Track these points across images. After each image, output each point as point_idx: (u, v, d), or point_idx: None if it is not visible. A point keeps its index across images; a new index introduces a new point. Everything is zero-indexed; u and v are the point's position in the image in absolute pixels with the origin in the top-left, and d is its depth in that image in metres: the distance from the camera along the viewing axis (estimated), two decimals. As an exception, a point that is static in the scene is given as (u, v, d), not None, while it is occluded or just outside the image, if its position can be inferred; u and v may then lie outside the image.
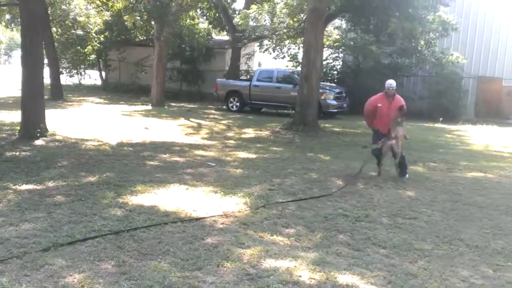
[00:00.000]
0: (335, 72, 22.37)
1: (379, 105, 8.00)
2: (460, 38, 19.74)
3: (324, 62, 20.46)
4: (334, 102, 17.42)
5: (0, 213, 5.16)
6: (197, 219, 5.34)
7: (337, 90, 18.00)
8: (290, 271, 4.12)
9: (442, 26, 15.46)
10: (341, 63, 22.58)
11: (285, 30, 18.28)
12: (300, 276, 4.04)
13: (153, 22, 20.79)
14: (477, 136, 13.86)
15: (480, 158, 10.22)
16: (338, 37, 21.02)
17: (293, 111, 14.23)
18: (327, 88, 17.75)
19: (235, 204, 5.99)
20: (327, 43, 19.96)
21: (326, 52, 20.80)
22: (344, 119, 17.15)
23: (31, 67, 9.75)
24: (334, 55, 22.23)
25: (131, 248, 4.40)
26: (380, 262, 4.45)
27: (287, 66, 22.72)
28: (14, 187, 6.18)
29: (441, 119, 17.61)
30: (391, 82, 8.06)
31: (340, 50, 21.47)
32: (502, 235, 5.34)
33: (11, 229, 4.71)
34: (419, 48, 18.69)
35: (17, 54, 66.50)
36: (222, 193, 6.46)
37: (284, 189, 6.90)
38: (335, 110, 17.56)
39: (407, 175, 7.98)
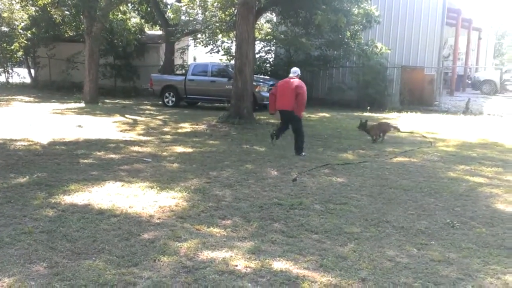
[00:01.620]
0: (268, 65, 22.70)
1: None
2: (384, 29, 20.61)
3: (257, 55, 20.74)
4: (268, 94, 17.66)
5: None
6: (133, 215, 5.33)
7: (271, 83, 18.24)
8: (226, 261, 4.23)
9: (366, 18, 16.11)
10: (273, 56, 22.94)
11: (217, 24, 18.31)
12: (236, 266, 4.16)
13: (82, 17, 20.09)
14: (402, 123, 14.62)
15: (405, 144, 10.83)
16: (269, 30, 21.33)
17: (229, 104, 14.32)
18: (261, 80, 17.98)
19: (172, 199, 6.01)
20: (259, 36, 20.20)
21: (258, 45, 21.09)
22: (278, 110, 17.46)
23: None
24: (266, 48, 22.57)
25: (64, 249, 4.33)
26: (312, 247, 4.65)
27: (221, 60, 22.77)
28: None
29: (368, 108, 18.38)
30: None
31: (272, 43, 21.80)
32: (425, 216, 5.71)
33: None
34: (346, 40, 19.35)
35: None
36: (158, 188, 6.46)
37: (221, 181, 7.00)
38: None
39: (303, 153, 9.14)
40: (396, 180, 7.38)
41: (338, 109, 18.97)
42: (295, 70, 9.70)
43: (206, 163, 8.24)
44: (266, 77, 20.06)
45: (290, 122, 9.52)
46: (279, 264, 4.22)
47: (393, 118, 16.31)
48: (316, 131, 12.63)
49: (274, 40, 21.18)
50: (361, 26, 17.12)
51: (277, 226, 5.25)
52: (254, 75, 14.74)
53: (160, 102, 19.33)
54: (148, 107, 18.64)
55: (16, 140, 9.54)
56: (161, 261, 4.17)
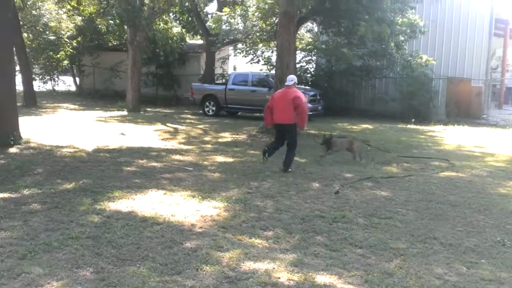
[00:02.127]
0: (309, 75, 22.59)
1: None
2: (429, 40, 20.17)
3: (298, 65, 20.64)
4: (309, 105, 17.56)
5: (-26, 222, 5.08)
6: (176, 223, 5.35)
7: (312, 93, 18.18)
8: (268, 273, 4.18)
9: (410, 29, 15.80)
10: (314, 65, 22.81)
11: (258, 34, 18.38)
12: (279, 278, 4.10)
13: (126, 27, 20.64)
14: (449, 136, 14.20)
15: (452, 157, 10.48)
16: (310, 40, 21.25)
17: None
18: (301, 91, 17.87)
19: (214, 208, 6.02)
20: (300, 46, 20.14)
21: (299, 55, 20.98)
22: (318, 121, 17.31)
23: (2, 73, 9.56)
24: (307, 58, 22.44)
25: (109, 254, 4.39)
26: (357, 262, 4.54)
27: (261, 69, 22.84)
28: (-13, 196, 6.08)
29: (413, 120, 17.96)
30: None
31: (313, 53, 21.70)
32: (475, 233, 5.49)
33: (-15, 238, 4.64)
34: (389, 50, 19.04)
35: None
36: (200, 197, 6.48)
37: (262, 192, 6.96)
38: (310, 113, 17.70)
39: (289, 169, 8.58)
40: (443, 195, 7.14)
41: (381, 121, 18.64)
42: (292, 78, 8.90)
43: (247, 173, 8.23)
44: (307, 87, 19.97)
45: (286, 135, 8.88)
46: (322, 278, 4.14)
47: (438, 130, 15.89)
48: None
49: (315, 50, 21.08)
50: (405, 37, 16.80)
51: (319, 239, 5.16)
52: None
53: (200, 111, 19.54)
54: (189, 116, 18.88)
55: (62, 147, 9.82)
56: (204, 270, 4.16)
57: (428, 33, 18.77)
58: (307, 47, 21.01)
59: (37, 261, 4.16)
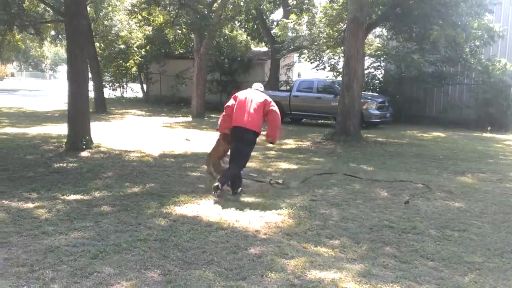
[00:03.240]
0: (377, 81, 22.07)
1: None
2: (507, 44, 19.07)
3: (366, 71, 20.22)
4: (377, 112, 17.16)
5: (50, 222, 5.33)
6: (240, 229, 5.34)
7: (380, 100, 17.73)
8: (335, 283, 4.05)
9: (487, 33, 15.00)
10: (383, 72, 22.25)
11: (324, 40, 18.20)
12: (346, 288, 3.97)
13: (192, 35, 21.16)
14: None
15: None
16: (379, 45, 20.76)
17: (334, 122, 14.08)
18: (369, 97, 17.52)
19: (278, 215, 5.95)
20: (368, 52, 19.73)
21: (367, 61, 20.56)
22: (387, 129, 16.86)
23: (77, 81, 10.08)
24: (375, 64, 21.94)
25: (176, 257, 4.44)
26: (428, 275, 4.29)
27: (327, 76, 22.59)
28: (62, 197, 6.38)
29: (489, 128, 17.02)
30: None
31: (382, 59, 21.18)
32: (558, 248, 5.07)
33: (61, 237, 4.85)
34: (464, 56, 18.18)
35: (62, 69, 69.01)
36: (264, 203, 6.44)
37: (327, 200, 6.81)
38: (378, 120, 17.29)
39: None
40: (523, 208, 6.65)
41: (454, 129, 17.81)
42: (261, 86, 7.47)
43: (311, 181, 8.10)
44: (375, 94, 19.51)
45: (242, 146, 7.01)
46: (391, 291, 3.95)
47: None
48: (430, 152, 11.92)
49: (384, 56, 20.57)
50: (481, 41, 15.98)
51: (388, 250, 4.95)
52: (362, 92, 14.36)
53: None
54: (253, 122, 18.93)
55: (130, 152, 10.17)
56: (269, 277, 4.10)
57: (507, 36, 17.74)
58: (376, 53, 20.55)
59: (107, 261, 4.28)
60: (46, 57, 54.02)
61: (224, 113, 7.05)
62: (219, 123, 7.15)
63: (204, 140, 12.72)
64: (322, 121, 17.88)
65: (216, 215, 5.85)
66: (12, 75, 66.24)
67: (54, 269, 4.07)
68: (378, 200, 6.94)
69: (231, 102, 7.08)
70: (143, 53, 27.35)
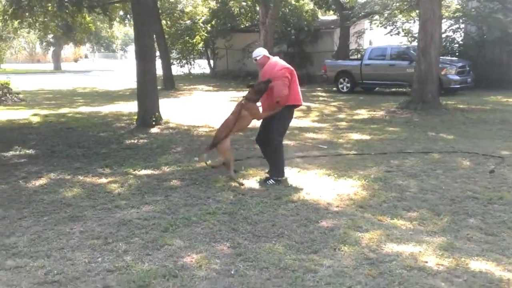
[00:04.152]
0: (456, 45, 20.63)
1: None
2: None
3: (443, 35, 18.95)
4: (457, 77, 16.05)
5: (122, 196, 5.44)
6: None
7: (460, 64, 16.56)
8: (414, 256, 3.77)
9: None
10: (462, 35, 20.75)
11: (397, 4, 17.20)
12: (426, 262, 3.68)
13: (257, 7, 20.87)
14: None
15: None
16: (458, 6, 19.31)
17: (410, 89, 13.36)
18: (448, 62, 16.41)
19: (351, 187, 5.69)
20: (446, 14, 18.44)
21: (445, 24, 19.25)
22: (468, 95, 15.75)
23: (144, 59, 10.22)
24: (454, 27, 20.47)
25: (245, 231, 4.34)
26: (518, 248, 3.91)
27: (401, 42, 21.47)
28: (134, 172, 6.50)
29: None
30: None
31: (461, 20, 19.72)
32: None
33: (132, 211, 4.93)
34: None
35: (132, 48, 71.25)
36: (335, 175, 6.18)
37: (403, 171, 6.43)
38: (458, 86, 16.18)
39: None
40: None
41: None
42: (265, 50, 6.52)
43: (386, 151, 7.70)
44: (454, 58, 18.27)
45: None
46: (477, 264, 3.63)
47: None
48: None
49: (463, 18, 19.14)
50: None
51: (472, 222, 4.56)
52: (440, 57, 13.45)
53: (334, 89, 19.05)
54: (321, 93, 18.52)
55: (198, 127, 10.23)
56: (342, 251, 3.90)
57: None
58: (455, 15, 19.15)
59: (177, 234, 4.28)
60: (117, 37, 55.87)
61: (287, 84, 5.88)
62: (283, 93, 5.86)
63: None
64: (396, 89, 17.06)
65: (285, 187, 5.69)
66: (86, 56, 69.58)
67: (127, 242, 4.13)
68: (460, 170, 6.45)
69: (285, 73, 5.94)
70: (208, 28, 27.44)
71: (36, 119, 11.67)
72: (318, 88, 20.36)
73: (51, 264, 3.71)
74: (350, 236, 4.18)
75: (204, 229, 4.40)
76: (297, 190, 5.58)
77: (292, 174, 6.25)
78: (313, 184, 5.82)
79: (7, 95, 16.33)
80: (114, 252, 3.93)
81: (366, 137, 9.07)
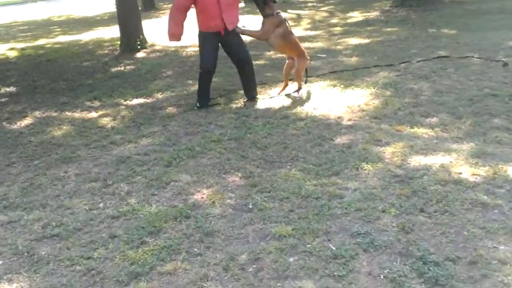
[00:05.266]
0: None
1: None
2: None
3: None
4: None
5: (117, 130, 4.99)
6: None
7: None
8: (446, 168, 3.45)
9: None
10: None
11: None
12: (461, 173, 3.36)
13: None
14: None
15: None
16: None
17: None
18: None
19: (360, 97, 5.27)
20: None
21: None
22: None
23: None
24: None
25: (256, 157, 3.97)
26: (557, 147, 3.60)
27: None
28: (125, 102, 6.00)
29: None
30: None
31: None
32: None
33: (130, 146, 4.51)
34: None
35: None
36: (342, 85, 5.75)
37: (413, 73, 5.99)
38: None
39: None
40: None
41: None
42: None
43: (389, 54, 7.22)
44: None
45: (236, 48, 5.58)
46: (516, 170, 3.32)
47: None
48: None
49: None
50: None
51: (498, 122, 4.24)
52: None
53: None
54: (310, -1, 17.52)
55: (186, 47, 9.48)
56: (365, 169, 3.56)
57: None
58: None
59: (183, 167, 3.90)
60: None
61: None
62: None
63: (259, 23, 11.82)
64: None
65: (291, 104, 5.27)
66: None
67: (129, 182, 3.75)
68: (472, 66, 6.04)
69: None
70: None
71: (13, 54, 10.85)
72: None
73: (48, 216, 3.35)
74: (370, 152, 3.83)
75: (211, 159, 4.02)
76: (303, 106, 5.17)
77: (293, 89, 5.77)
78: (318, 98, 5.40)
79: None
80: (116, 195, 3.57)
81: (365, 40, 8.51)
